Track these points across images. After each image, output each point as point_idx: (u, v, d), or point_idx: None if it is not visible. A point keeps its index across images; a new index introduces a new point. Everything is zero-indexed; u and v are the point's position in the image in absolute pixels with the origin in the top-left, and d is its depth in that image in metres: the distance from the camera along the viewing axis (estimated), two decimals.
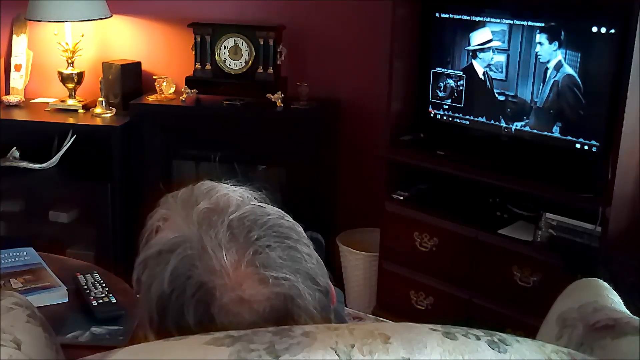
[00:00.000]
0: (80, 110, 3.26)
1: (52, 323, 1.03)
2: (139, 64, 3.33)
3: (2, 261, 2.06)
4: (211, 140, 3.11)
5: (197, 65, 3.14)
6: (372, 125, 3.14)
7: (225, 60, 3.12)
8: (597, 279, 1.18)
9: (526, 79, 2.57)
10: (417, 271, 2.81)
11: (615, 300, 1.11)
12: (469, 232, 2.64)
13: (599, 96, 2.39)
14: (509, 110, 2.65)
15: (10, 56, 3.39)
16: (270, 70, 3.08)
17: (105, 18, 3.19)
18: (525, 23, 2.54)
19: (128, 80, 3.27)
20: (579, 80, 2.42)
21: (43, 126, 3.18)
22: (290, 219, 0.82)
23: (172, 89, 3.21)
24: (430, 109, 2.87)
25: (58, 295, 1.91)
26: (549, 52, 2.48)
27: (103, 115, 3.20)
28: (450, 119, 2.83)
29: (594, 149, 2.42)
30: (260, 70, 3.09)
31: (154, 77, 3.23)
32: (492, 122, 2.70)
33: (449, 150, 2.77)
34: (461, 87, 2.77)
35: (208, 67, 3.13)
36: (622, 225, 2.39)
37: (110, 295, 1.90)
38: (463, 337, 0.72)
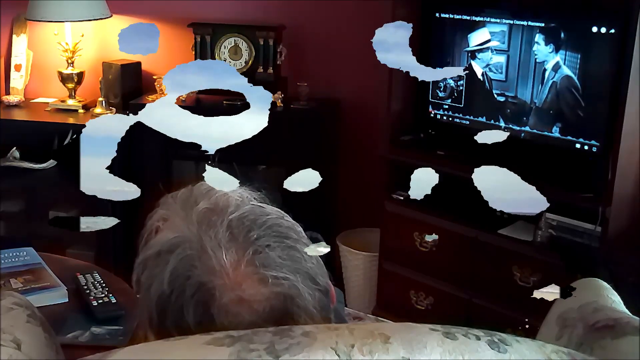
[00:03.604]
0: (80, 110, 3.26)
1: (52, 323, 1.02)
2: (139, 64, 3.33)
3: (2, 261, 2.06)
4: None
5: None
6: (372, 125, 3.14)
7: (225, 60, 3.12)
8: (597, 279, 1.18)
9: (526, 79, 2.57)
10: (417, 271, 2.81)
11: (615, 300, 1.10)
12: (469, 232, 2.64)
13: (599, 96, 2.39)
14: (508, 110, 2.65)
15: (10, 56, 3.39)
16: (270, 70, 3.08)
17: (105, 18, 3.19)
18: (525, 23, 2.54)
19: (128, 80, 3.27)
20: (577, 81, 2.42)
21: (43, 126, 3.18)
22: (290, 219, 0.81)
23: None
24: (430, 109, 2.87)
25: (58, 295, 1.92)
26: (545, 52, 2.48)
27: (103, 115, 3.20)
28: (450, 119, 2.83)
29: (594, 149, 2.42)
30: (260, 70, 3.09)
31: (154, 77, 3.23)
32: (492, 122, 2.70)
33: (449, 150, 2.76)
34: (461, 87, 2.77)
35: None
36: (622, 225, 2.39)
37: (110, 295, 1.90)
38: (463, 337, 0.72)
